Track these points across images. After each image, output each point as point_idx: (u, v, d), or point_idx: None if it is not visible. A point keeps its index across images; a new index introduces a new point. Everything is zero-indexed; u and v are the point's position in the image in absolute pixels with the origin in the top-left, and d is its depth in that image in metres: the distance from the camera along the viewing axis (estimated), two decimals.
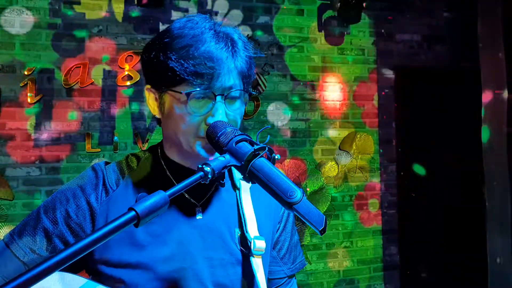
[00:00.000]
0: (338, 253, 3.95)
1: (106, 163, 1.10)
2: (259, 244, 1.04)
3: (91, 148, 3.36)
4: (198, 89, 0.97)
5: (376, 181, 4.08)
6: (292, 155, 3.85)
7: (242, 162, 0.85)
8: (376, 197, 4.08)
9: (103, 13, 3.43)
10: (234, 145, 0.87)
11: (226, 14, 3.71)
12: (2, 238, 1.06)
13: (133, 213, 0.70)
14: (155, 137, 3.48)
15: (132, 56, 3.45)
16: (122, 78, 3.44)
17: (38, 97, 3.26)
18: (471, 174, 4.07)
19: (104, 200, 1.03)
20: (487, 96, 3.45)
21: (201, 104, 0.99)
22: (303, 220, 0.79)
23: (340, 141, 3.99)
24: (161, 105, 1.05)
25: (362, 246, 4.02)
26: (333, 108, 3.98)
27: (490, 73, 3.41)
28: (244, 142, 0.88)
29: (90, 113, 3.39)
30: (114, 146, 3.41)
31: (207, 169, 0.80)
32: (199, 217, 1.06)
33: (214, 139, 0.92)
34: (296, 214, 0.80)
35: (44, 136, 3.29)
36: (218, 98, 0.99)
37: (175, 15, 3.58)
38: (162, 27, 3.54)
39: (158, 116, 1.07)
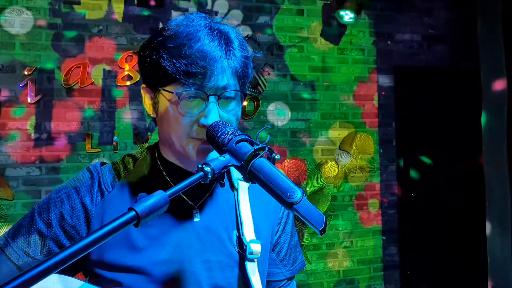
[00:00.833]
0: (338, 253, 3.95)
1: (102, 164, 1.08)
2: (254, 248, 1.03)
3: (91, 148, 3.36)
4: (190, 89, 0.95)
5: (376, 181, 4.08)
6: (292, 155, 3.85)
7: (242, 162, 0.84)
8: (376, 197, 4.08)
9: (103, 13, 3.43)
10: (234, 145, 0.87)
11: (226, 14, 3.71)
12: None
13: (133, 213, 0.70)
14: (155, 137, 3.48)
15: (132, 56, 3.45)
16: (122, 78, 3.44)
17: (38, 97, 3.26)
18: (471, 174, 4.07)
19: (100, 202, 1.02)
20: (487, 96, 3.45)
21: (193, 104, 0.97)
22: (303, 220, 0.79)
23: (340, 141, 3.99)
24: (155, 105, 1.04)
25: (362, 246, 4.02)
26: (333, 108, 3.98)
27: (490, 73, 3.41)
28: (244, 142, 0.87)
29: (90, 113, 3.39)
30: (114, 146, 3.41)
31: (207, 169, 0.80)
32: (196, 219, 1.05)
33: (214, 139, 0.91)
34: (296, 214, 0.80)
35: (44, 136, 3.28)
36: (211, 98, 0.96)
37: (175, 15, 3.58)
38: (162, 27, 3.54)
39: (153, 115, 1.06)
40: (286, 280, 1.20)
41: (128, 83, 3.44)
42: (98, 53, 3.41)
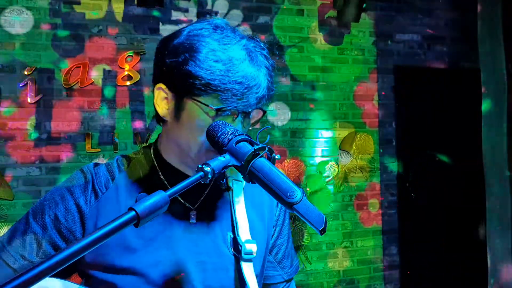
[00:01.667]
0: (338, 253, 3.95)
1: (95, 165, 1.08)
2: (249, 248, 1.02)
3: (91, 148, 3.36)
4: (230, 106, 0.96)
5: (376, 181, 4.08)
6: (292, 155, 3.85)
7: (242, 162, 0.84)
8: (376, 197, 4.08)
9: (103, 13, 3.43)
10: (234, 145, 0.87)
11: (226, 14, 3.71)
12: None
13: (133, 213, 0.70)
14: (155, 137, 3.48)
15: (132, 56, 3.45)
16: (122, 78, 3.44)
17: (38, 97, 3.26)
18: (471, 174, 4.07)
19: (94, 203, 1.01)
20: (487, 96, 3.45)
21: (223, 119, 0.98)
22: (303, 220, 0.79)
23: (340, 141, 3.99)
24: (176, 110, 1.01)
25: (362, 246, 4.02)
26: (333, 108, 3.98)
27: (490, 73, 3.41)
28: (244, 142, 0.87)
29: (90, 113, 3.39)
30: (114, 146, 3.41)
31: (207, 169, 0.80)
32: (192, 221, 1.05)
33: (214, 139, 0.91)
34: (296, 214, 0.80)
35: (44, 136, 3.28)
36: (240, 115, 0.99)
37: (175, 15, 3.58)
38: (162, 27, 3.54)
39: (166, 117, 1.04)
40: (284, 283, 1.20)
41: (128, 83, 3.44)
42: (98, 53, 3.41)
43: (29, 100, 3.24)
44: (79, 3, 3.37)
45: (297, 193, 0.79)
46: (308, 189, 3.86)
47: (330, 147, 3.97)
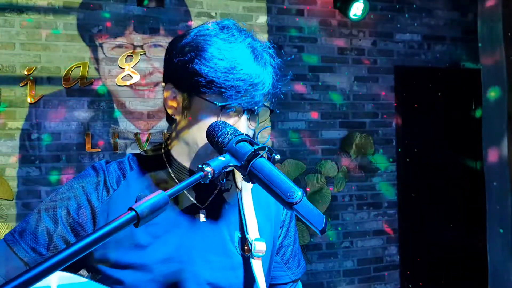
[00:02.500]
0: (338, 253, 3.95)
1: (107, 162, 1.09)
2: (260, 246, 1.03)
3: (91, 148, 3.36)
4: (235, 103, 0.98)
5: (376, 181, 4.08)
6: (292, 155, 3.85)
7: (242, 162, 0.85)
8: (376, 197, 4.08)
9: (103, 13, 3.43)
10: (234, 145, 0.87)
11: (226, 14, 3.71)
12: (2, 237, 1.05)
13: (133, 213, 0.70)
14: (155, 137, 3.49)
15: (132, 56, 3.45)
16: (122, 78, 3.44)
17: (38, 97, 3.26)
18: (471, 174, 4.08)
19: (105, 200, 1.03)
20: (487, 96, 3.45)
21: (228, 116, 1.00)
22: (303, 220, 0.80)
23: (340, 141, 3.99)
24: (184, 108, 1.04)
25: (362, 246, 4.02)
26: (333, 108, 3.98)
27: (490, 73, 3.41)
28: (244, 142, 0.88)
29: (90, 113, 3.39)
30: (114, 146, 3.41)
31: (207, 169, 0.80)
32: (202, 219, 1.06)
33: (214, 139, 0.92)
34: (296, 214, 0.80)
35: (44, 136, 3.29)
36: (245, 112, 1.00)
37: (175, 15, 3.58)
38: (162, 27, 3.54)
39: (176, 116, 1.06)
40: (291, 283, 1.21)
41: (128, 83, 3.44)
42: (98, 53, 3.41)
43: (29, 100, 3.25)
44: (79, 3, 3.37)
45: (297, 193, 0.80)
46: (308, 189, 3.86)
47: (330, 147, 3.97)
